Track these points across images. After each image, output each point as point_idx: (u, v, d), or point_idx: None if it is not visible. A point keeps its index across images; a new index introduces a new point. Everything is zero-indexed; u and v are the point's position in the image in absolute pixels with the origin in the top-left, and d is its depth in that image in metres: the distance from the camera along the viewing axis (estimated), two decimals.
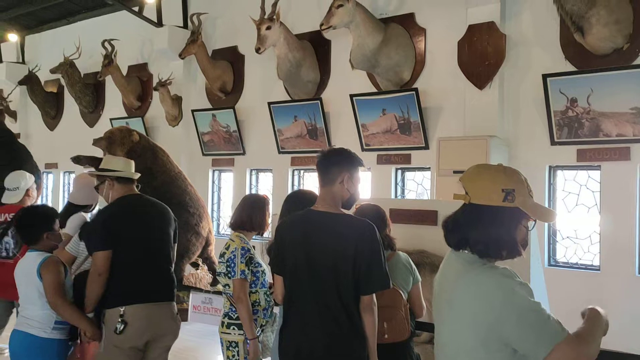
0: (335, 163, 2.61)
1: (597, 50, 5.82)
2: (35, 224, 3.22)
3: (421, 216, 5.24)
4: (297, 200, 3.25)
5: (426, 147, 7.05)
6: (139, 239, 3.19)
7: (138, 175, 3.42)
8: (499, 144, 6.22)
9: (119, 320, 3.02)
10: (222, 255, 3.35)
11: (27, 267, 3.14)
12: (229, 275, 3.28)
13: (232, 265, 3.25)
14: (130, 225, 3.19)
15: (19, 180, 4.52)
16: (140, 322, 3.08)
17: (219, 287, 7.65)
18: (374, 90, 7.54)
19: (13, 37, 12.30)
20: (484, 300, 1.74)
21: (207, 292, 3.88)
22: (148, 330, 3.12)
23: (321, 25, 6.91)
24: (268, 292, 3.36)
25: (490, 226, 1.80)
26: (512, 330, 1.68)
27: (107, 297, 3.12)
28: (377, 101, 7.33)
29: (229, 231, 9.14)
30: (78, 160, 7.52)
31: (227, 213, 9.45)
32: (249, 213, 3.45)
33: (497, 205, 1.81)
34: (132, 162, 3.43)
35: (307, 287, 2.50)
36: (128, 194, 3.30)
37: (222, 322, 3.33)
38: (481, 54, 6.47)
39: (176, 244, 3.49)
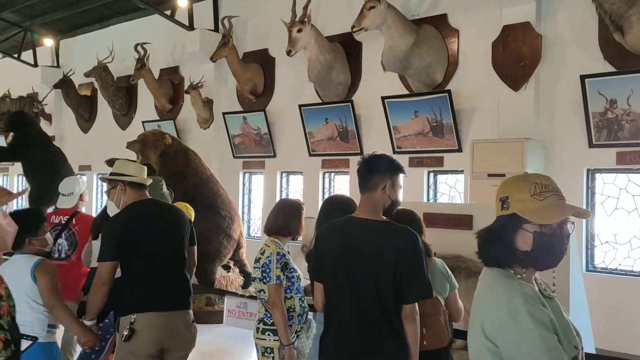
0: (377, 170, 2.57)
1: (637, 50, 5.65)
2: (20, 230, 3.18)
3: (456, 220, 5.16)
4: (336, 206, 3.22)
5: (459, 150, 6.95)
6: (152, 246, 3.14)
7: (150, 181, 3.38)
8: (535, 147, 6.09)
9: (127, 327, 2.99)
10: (257, 260, 3.34)
11: (16, 270, 3.01)
12: (264, 280, 3.26)
13: (268, 270, 3.23)
14: (143, 232, 3.14)
15: (73, 186, 4.58)
16: (150, 330, 3.02)
17: (251, 289, 7.69)
18: (406, 92, 7.47)
19: (49, 41, 12.57)
20: (490, 315, 1.73)
21: (242, 296, 3.88)
22: (159, 339, 3.05)
23: (352, 27, 6.87)
24: (303, 298, 3.34)
25: (493, 237, 1.81)
26: (507, 349, 1.68)
27: (121, 304, 3.10)
28: (409, 103, 7.25)
29: (259, 233, 9.27)
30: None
31: (257, 215, 9.48)
32: (285, 218, 3.43)
33: (498, 215, 1.82)
34: (145, 168, 3.38)
35: (347, 295, 2.47)
36: (140, 199, 3.24)
37: (257, 328, 3.32)
38: (516, 54, 6.34)
39: (195, 246, 3.44)
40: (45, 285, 3.03)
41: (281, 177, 9.09)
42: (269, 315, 3.27)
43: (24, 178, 10.08)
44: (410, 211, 3.19)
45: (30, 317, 3.01)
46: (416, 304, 2.47)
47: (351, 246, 2.48)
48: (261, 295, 3.33)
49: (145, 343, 3.00)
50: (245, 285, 7.54)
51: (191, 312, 3.25)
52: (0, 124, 12.59)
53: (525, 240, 1.76)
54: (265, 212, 9.16)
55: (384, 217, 2.56)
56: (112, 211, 3.48)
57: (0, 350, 1.44)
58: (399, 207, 3.19)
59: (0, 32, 13.03)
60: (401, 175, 2.62)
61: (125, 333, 2.97)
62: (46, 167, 8.14)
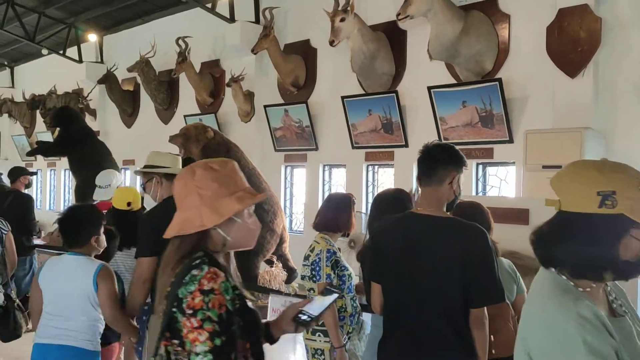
0: (444, 162, 2.36)
1: None
2: (84, 226, 2.96)
3: (511, 215, 4.90)
4: (389, 201, 3.03)
5: (510, 141, 6.65)
6: None
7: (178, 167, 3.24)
8: (594, 137, 5.75)
9: None
10: (306, 257, 3.19)
11: (75, 273, 2.85)
12: (314, 279, 3.11)
13: (317, 268, 3.08)
14: None
15: (110, 178, 4.55)
16: None
17: (294, 285, 7.58)
18: (453, 81, 7.19)
19: (92, 37, 12.71)
20: (537, 342, 1.46)
21: (288, 295, 3.73)
22: None
23: (398, 14, 6.63)
24: (355, 298, 3.17)
25: (581, 240, 1.45)
26: None
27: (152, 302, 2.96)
28: (457, 93, 6.98)
29: (301, 227, 9.15)
30: None
31: (299, 209, 9.36)
32: (335, 213, 3.27)
33: (592, 213, 1.43)
34: (179, 159, 3.27)
35: (409, 297, 2.28)
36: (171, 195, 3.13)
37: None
38: (573, 39, 5.99)
39: None
40: (107, 295, 2.86)
41: (323, 171, 8.93)
42: None
43: (70, 172, 10.25)
44: (477, 204, 2.96)
45: (87, 323, 2.87)
46: (485, 308, 2.27)
47: (414, 245, 2.29)
48: (310, 294, 3.18)
49: None
50: (288, 280, 7.44)
51: None
52: (46, 119, 12.92)
53: (630, 248, 1.42)
54: (307, 206, 9.03)
55: (448, 213, 2.36)
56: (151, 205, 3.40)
57: (205, 340, 1.51)
58: (466, 200, 2.99)
59: (46, 29, 13.25)
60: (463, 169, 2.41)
61: None
62: (91, 161, 8.21)
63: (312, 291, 3.16)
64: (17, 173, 6.77)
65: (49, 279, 2.87)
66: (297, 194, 9.51)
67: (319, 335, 3.10)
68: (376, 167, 8.33)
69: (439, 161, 2.36)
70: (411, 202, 3.08)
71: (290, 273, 7.47)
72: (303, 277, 3.22)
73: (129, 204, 3.98)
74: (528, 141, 5.96)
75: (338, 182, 8.84)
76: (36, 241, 7.47)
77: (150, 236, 2.94)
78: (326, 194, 8.94)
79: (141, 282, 2.92)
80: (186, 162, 7.33)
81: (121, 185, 4.61)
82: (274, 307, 3.93)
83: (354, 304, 3.16)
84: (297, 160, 9.21)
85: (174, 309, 1.56)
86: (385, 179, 8.23)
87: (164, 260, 1.71)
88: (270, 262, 7.41)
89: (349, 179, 8.47)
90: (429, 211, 2.33)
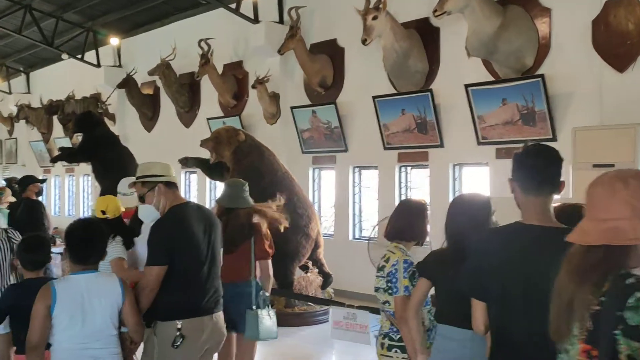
0: (557, 165, 2.15)
1: None
2: (104, 241, 2.91)
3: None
4: (465, 208, 2.80)
5: (553, 139, 6.42)
6: (195, 251, 3.05)
7: (174, 179, 3.20)
8: None
9: (177, 334, 2.88)
10: (380, 268, 3.01)
11: (105, 288, 2.75)
12: (390, 291, 2.93)
13: (394, 280, 2.90)
14: (188, 236, 3.04)
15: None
16: (198, 335, 2.98)
17: (330, 291, 7.40)
18: (491, 78, 6.99)
19: (114, 40, 12.56)
20: None
21: (351, 306, 3.55)
22: (205, 342, 3.02)
23: (434, 11, 6.44)
24: (432, 311, 2.98)
25: None
26: None
27: (159, 309, 2.96)
28: (496, 90, 6.77)
29: (331, 230, 8.95)
30: (186, 161, 7.47)
31: (328, 213, 9.18)
32: (409, 221, 3.07)
33: None
34: (170, 166, 3.20)
35: (522, 317, 2.07)
36: (176, 202, 3.11)
37: (382, 344, 2.99)
38: (621, 32, 5.78)
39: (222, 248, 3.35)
40: (132, 304, 2.81)
41: (354, 172, 8.75)
42: (394, 329, 2.94)
43: (93, 178, 10.13)
44: (579, 206, 2.72)
45: (114, 338, 2.78)
46: None
47: (531, 260, 2.07)
48: (386, 307, 3.00)
49: (194, 348, 2.98)
50: (324, 286, 7.26)
51: (222, 313, 3.22)
52: (68, 125, 12.80)
53: None
54: (337, 209, 8.85)
55: (559, 223, 2.16)
56: (145, 215, 3.41)
57: None
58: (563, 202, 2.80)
59: (63, 33, 13.15)
60: None
61: (177, 340, 2.89)
62: (115, 167, 8.07)
63: (387, 304, 2.97)
64: (26, 182, 6.67)
65: (75, 305, 2.66)
66: (325, 197, 9.32)
67: (396, 352, 2.92)
68: (409, 168, 8.13)
69: (553, 165, 2.15)
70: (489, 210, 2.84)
71: (326, 278, 7.30)
72: (377, 290, 3.04)
73: (103, 212, 3.95)
74: (577, 139, 5.75)
75: (369, 184, 8.65)
76: (55, 249, 7.34)
77: (161, 245, 2.95)
78: (356, 196, 8.77)
79: (148, 290, 2.91)
80: (217, 166, 7.18)
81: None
82: (335, 320, 3.74)
83: (431, 318, 2.97)
84: (325, 162, 9.04)
85: (617, 332, 1.45)
86: (419, 180, 8.04)
87: (574, 269, 1.60)
88: (305, 268, 7.23)
89: (381, 180, 8.28)
90: (544, 222, 2.10)
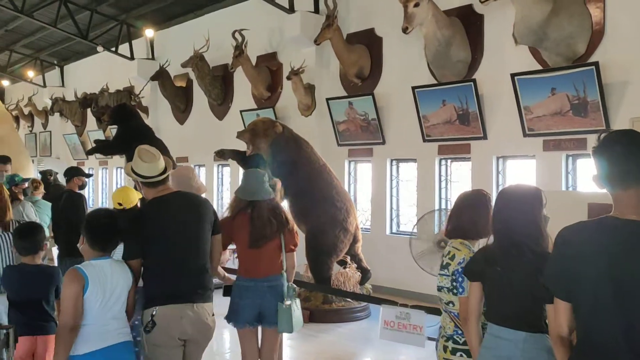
0: (638, 148, 1.89)
1: None
2: (119, 229, 3.05)
3: None
4: (513, 200, 2.55)
5: (607, 130, 6.08)
6: (170, 240, 3.12)
7: (162, 177, 3.18)
8: None
9: (150, 320, 3.02)
10: (444, 266, 2.80)
11: (121, 273, 2.95)
12: (455, 291, 2.71)
13: (460, 279, 2.68)
14: (160, 227, 3.14)
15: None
16: (171, 322, 3.04)
17: (368, 286, 7.20)
18: (538, 67, 6.68)
19: (149, 32, 12.51)
20: None
21: (404, 305, 3.33)
22: (180, 331, 3.06)
23: None
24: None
25: None
26: None
27: (143, 298, 3.14)
28: (545, 79, 6.46)
29: (367, 225, 8.75)
30: (222, 154, 7.34)
31: (365, 206, 8.97)
32: (472, 216, 2.84)
33: None
34: (159, 165, 3.18)
35: (613, 323, 1.86)
36: (160, 194, 3.19)
37: (445, 347, 2.78)
38: None
39: (219, 235, 3.34)
40: (134, 289, 3.04)
41: (391, 165, 8.52)
42: (459, 332, 2.73)
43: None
44: None
45: (125, 317, 3.00)
46: None
47: (625, 259, 1.84)
48: (449, 308, 2.78)
49: (166, 335, 3.04)
50: (362, 282, 7.07)
51: (211, 304, 3.22)
52: (104, 117, 12.83)
53: None
54: (374, 203, 8.64)
55: None
56: None
57: None
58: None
59: (98, 26, 13.17)
60: None
61: (148, 326, 3.02)
62: None
63: (451, 304, 2.76)
64: (71, 173, 6.62)
65: (102, 287, 2.85)
66: (361, 191, 9.12)
67: (461, 356, 2.71)
68: (449, 160, 7.87)
69: (635, 149, 1.88)
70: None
71: (364, 274, 7.11)
72: (440, 289, 2.83)
73: (119, 204, 4.10)
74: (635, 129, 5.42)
75: (408, 178, 8.41)
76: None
77: (132, 239, 3.08)
78: (394, 190, 8.54)
79: (135, 283, 3.04)
80: (254, 158, 7.02)
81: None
82: (386, 320, 3.53)
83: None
84: (362, 155, 8.82)
85: None
86: (461, 174, 7.77)
87: None
88: (343, 263, 7.04)
89: (421, 173, 8.03)
90: (635, 215, 1.86)
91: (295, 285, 3.84)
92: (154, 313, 3.01)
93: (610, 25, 6.13)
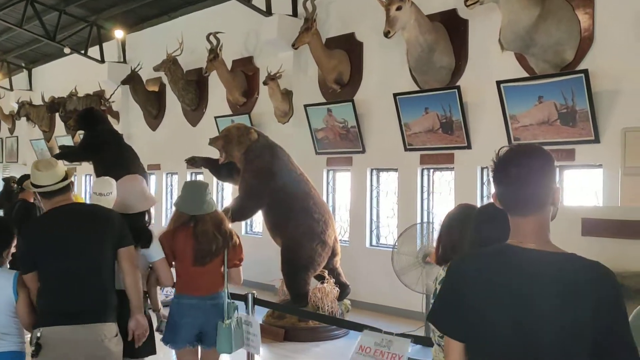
0: (545, 172, 1.64)
1: None
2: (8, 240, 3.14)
3: (632, 228, 4.12)
4: (490, 223, 2.22)
5: (596, 141, 5.87)
6: (60, 256, 2.94)
7: (58, 186, 3.01)
8: None
9: (35, 342, 2.82)
10: (436, 294, 2.45)
11: (3, 286, 2.98)
12: None
13: None
14: (48, 241, 2.97)
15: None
16: (58, 346, 2.82)
17: (347, 302, 6.86)
18: (525, 74, 6.44)
19: (119, 33, 12.02)
20: None
21: (389, 333, 2.98)
22: (69, 355, 2.83)
23: (466, 0, 5.91)
24: None
25: None
26: None
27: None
28: (532, 87, 6.22)
29: (346, 237, 8.41)
30: (194, 161, 6.97)
31: (343, 217, 8.63)
32: (462, 233, 2.51)
33: None
34: (57, 173, 3.04)
35: (519, 357, 1.59)
36: (54, 206, 3.04)
37: None
38: None
39: (127, 247, 3.07)
40: (24, 302, 2.98)
41: (371, 175, 8.20)
42: None
43: (94, 178, 9.62)
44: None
45: (15, 326, 3.02)
46: None
47: (525, 293, 1.59)
48: (442, 342, 2.44)
49: (52, 358, 2.83)
50: (341, 297, 6.72)
51: (111, 325, 2.96)
52: (69, 122, 12.28)
53: None
54: (353, 214, 8.30)
55: (558, 247, 1.65)
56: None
57: None
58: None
59: (67, 27, 12.65)
60: None
61: (32, 349, 2.82)
62: (119, 166, 7.61)
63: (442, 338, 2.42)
64: (24, 181, 6.18)
65: None
66: (340, 201, 8.78)
67: None
68: (432, 170, 7.58)
69: (540, 172, 1.63)
70: None
71: (343, 289, 6.76)
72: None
73: None
74: (627, 140, 5.21)
75: (389, 188, 8.10)
76: None
77: (22, 254, 3.00)
78: (374, 201, 8.22)
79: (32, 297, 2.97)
80: (227, 166, 6.64)
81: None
82: (362, 345, 3.19)
83: None
84: (340, 164, 8.49)
85: None
86: (443, 183, 7.48)
87: None
88: (321, 278, 6.68)
89: (402, 184, 7.73)
90: (541, 246, 1.63)
91: (236, 303, 3.66)
92: (38, 335, 2.82)
93: (600, 32, 5.91)
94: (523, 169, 1.61)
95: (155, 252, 3.37)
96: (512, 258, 1.64)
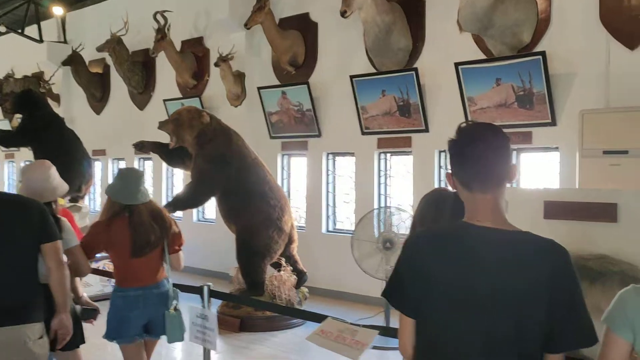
0: (504, 148, 1.67)
1: None
2: None
3: (594, 210, 4.10)
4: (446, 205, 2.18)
5: (553, 123, 5.88)
6: None
7: None
8: None
9: None
10: None
11: None
12: None
13: None
14: None
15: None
16: None
17: (304, 290, 6.69)
18: (482, 56, 6.37)
19: (58, 10, 11.34)
20: None
21: (356, 325, 2.82)
22: None
23: None
24: None
25: None
26: None
27: None
28: (490, 69, 6.16)
29: (302, 223, 8.23)
30: (142, 146, 6.61)
31: (299, 203, 8.44)
32: (436, 219, 2.39)
33: None
34: None
35: (467, 341, 1.60)
36: None
37: None
38: (631, 6, 5.25)
39: (52, 243, 2.82)
40: None
41: (327, 159, 8.02)
42: None
43: None
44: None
45: None
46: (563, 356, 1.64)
47: (479, 271, 1.59)
48: None
49: None
50: (298, 285, 6.55)
51: (35, 325, 2.70)
52: (5, 105, 11.60)
53: None
54: (309, 200, 8.12)
55: (513, 225, 1.66)
56: None
57: None
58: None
59: (2, 4, 11.87)
60: None
61: None
62: (60, 151, 7.20)
63: None
64: None
65: None
66: (295, 187, 8.58)
67: None
68: (389, 154, 7.46)
69: (499, 149, 1.65)
70: None
71: (300, 276, 6.58)
72: None
73: None
74: (584, 123, 5.19)
75: (345, 172, 7.94)
76: None
77: None
78: (330, 186, 8.05)
79: None
80: (177, 151, 6.33)
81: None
82: (325, 329, 3.04)
83: None
84: (296, 148, 8.28)
85: None
86: (402, 168, 7.38)
87: None
88: (277, 265, 6.48)
89: (358, 168, 7.59)
90: (497, 224, 1.64)
91: (178, 290, 3.52)
92: None
93: (557, 14, 5.89)
94: (483, 145, 1.62)
95: (68, 239, 3.16)
96: (467, 235, 1.64)
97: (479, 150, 1.62)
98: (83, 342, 3.33)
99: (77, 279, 3.56)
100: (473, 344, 1.60)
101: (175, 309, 3.41)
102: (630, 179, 4.87)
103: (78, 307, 3.40)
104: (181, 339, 3.46)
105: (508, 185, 1.69)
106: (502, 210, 1.66)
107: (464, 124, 1.70)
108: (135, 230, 3.32)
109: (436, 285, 1.65)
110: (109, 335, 3.42)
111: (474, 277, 1.60)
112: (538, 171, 6.31)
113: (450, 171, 1.69)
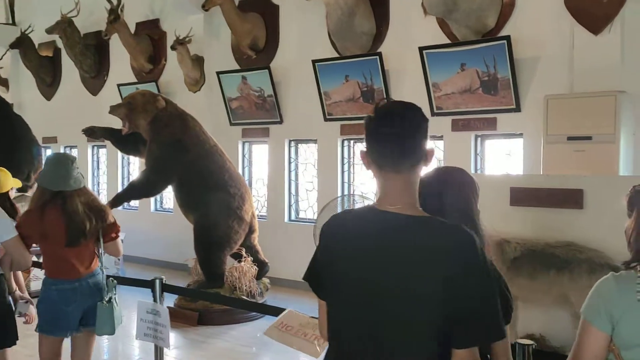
0: (421, 128, 1.57)
1: None
2: None
3: (559, 197, 4.03)
4: (452, 184, 1.97)
5: (517, 109, 5.81)
6: None
7: None
8: (630, 102, 4.99)
9: None
10: None
11: None
12: None
13: None
14: None
15: None
16: None
17: (266, 281, 6.50)
18: (446, 40, 6.25)
19: None
20: None
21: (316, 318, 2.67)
22: None
23: None
24: None
25: None
26: None
27: None
28: (455, 54, 6.05)
29: (264, 212, 8.01)
30: (91, 132, 6.28)
31: (261, 192, 8.21)
32: (466, 205, 2.10)
33: None
34: None
35: (358, 330, 1.59)
36: None
37: None
38: None
39: None
40: None
41: (289, 147, 7.81)
42: None
43: None
44: (450, 170, 2.09)
45: None
46: (476, 349, 1.52)
47: (378, 254, 1.55)
48: None
49: None
50: (259, 276, 6.35)
51: None
52: None
53: None
54: (270, 188, 7.91)
55: (422, 210, 1.60)
56: None
57: None
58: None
59: None
60: None
61: None
62: (7, 138, 6.82)
63: None
64: None
65: None
66: (256, 175, 8.34)
67: None
68: (352, 141, 7.30)
69: (413, 128, 1.56)
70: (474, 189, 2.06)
71: (262, 267, 6.39)
72: None
73: None
74: (549, 108, 5.13)
75: (308, 159, 7.75)
76: None
77: None
78: (292, 174, 7.85)
79: None
80: (131, 137, 6.02)
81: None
82: (284, 322, 2.88)
83: None
84: (257, 135, 8.03)
85: None
86: None
87: None
88: (237, 256, 6.27)
89: (321, 155, 7.41)
90: (400, 208, 1.56)
91: (114, 280, 3.35)
92: None
93: None
94: (401, 122, 1.55)
95: (3, 231, 2.96)
96: (371, 221, 1.60)
97: (396, 129, 1.54)
98: (16, 339, 3.20)
99: (19, 273, 3.37)
100: (364, 333, 1.58)
101: (109, 300, 3.22)
102: (594, 165, 4.83)
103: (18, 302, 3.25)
104: (111, 332, 3.29)
105: (424, 168, 1.60)
106: (412, 193, 1.59)
107: (383, 102, 1.63)
108: (70, 218, 3.12)
109: (338, 271, 1.64)
110: (43, 330, 3.22)
111: (370, 264, 1.56)
112: (504, 158, 6.25)
113: (365, 149, 1.62)
